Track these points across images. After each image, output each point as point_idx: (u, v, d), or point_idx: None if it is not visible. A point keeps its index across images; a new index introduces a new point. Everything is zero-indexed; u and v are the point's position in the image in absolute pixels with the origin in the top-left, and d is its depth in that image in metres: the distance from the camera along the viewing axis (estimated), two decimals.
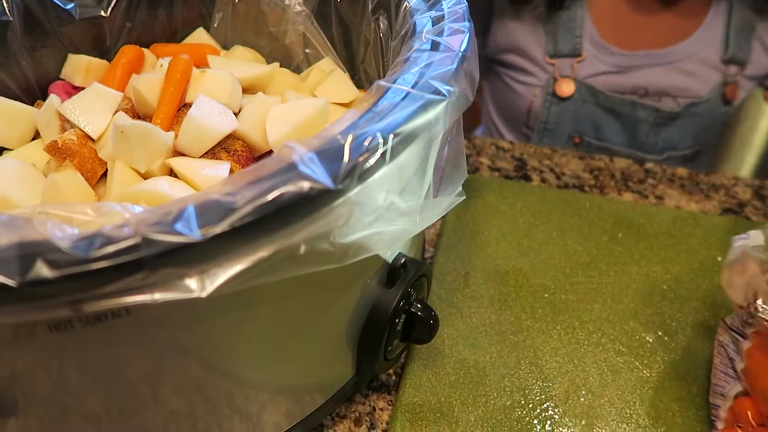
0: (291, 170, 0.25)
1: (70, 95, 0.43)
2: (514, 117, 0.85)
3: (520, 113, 0.82)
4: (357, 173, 0.26)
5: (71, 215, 0.25)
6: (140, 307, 0.25)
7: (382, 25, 0.46)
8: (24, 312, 0.22)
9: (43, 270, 0.21)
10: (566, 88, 0.74)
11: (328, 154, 0.26)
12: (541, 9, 0.73)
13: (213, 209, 0.23)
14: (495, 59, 0.84)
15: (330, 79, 0.47)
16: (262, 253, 0.25)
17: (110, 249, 0.21)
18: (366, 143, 0.27)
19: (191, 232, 0.22)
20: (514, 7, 0.74)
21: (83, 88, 0.43)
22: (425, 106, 0.30)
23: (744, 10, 0.72)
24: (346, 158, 0.26)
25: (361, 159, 0.26)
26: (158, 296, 0.24)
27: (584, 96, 0.74)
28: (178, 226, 0.22)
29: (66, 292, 0.22)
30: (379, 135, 0.27)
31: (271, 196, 0.24)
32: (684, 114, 0.74)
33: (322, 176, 0.25)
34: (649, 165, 0.69)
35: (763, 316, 0.39)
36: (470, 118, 1.01)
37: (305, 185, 0.24)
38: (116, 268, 0.21)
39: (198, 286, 0.24)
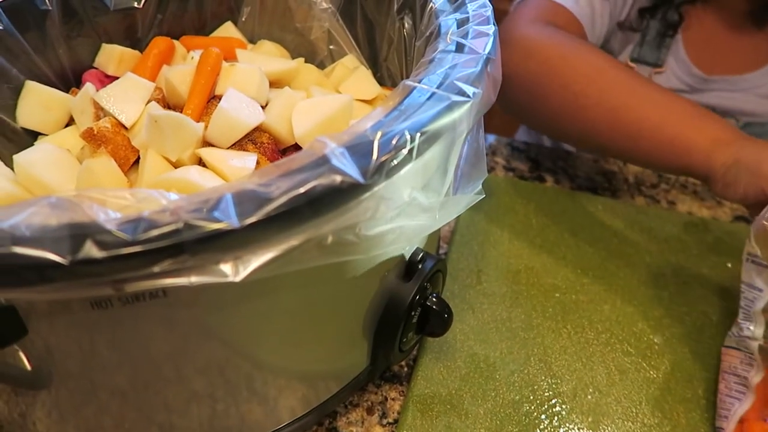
0: (323, 164, 0.26)
1: (103, 84, 0.45)
2: None
3: None
4: (385, 169, 0.27)
5: (110, 199, 0.26)
6: (176, 289, 0.26)
7: (406, 24, 0.47)
8: (71, 289, 0.24)
9: (92, 250, 0.22)
10: None
11: (358, 150, 0.27)
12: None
13: (249, 198, 0.24)
14: None
15: (354, 75, 0.49)
16: (293, 241, 0.26)
17: (155, 232, 0.22)
18: (394, 141, 0.28)
19: (229, 219, 0.23)
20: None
21: (115, 78, 0.45)
22: (450, 107, 0.31)
23: None
24: (375, 154, 0.27)
25: (389, 155, 0.27)
26: (194, 279, 0.25)
27: None
28: (217, 213, 0.24)
29: (110, 272, 0.23)
30: (406, 133, 0.28)
31: (304, 188, 0.25)
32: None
33: (352, 171, 0.26)
34: None
35: None
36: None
37: (337, 179, 0.25)
38: (159, 251, 0.23)
39: (232, 271, 0.25)
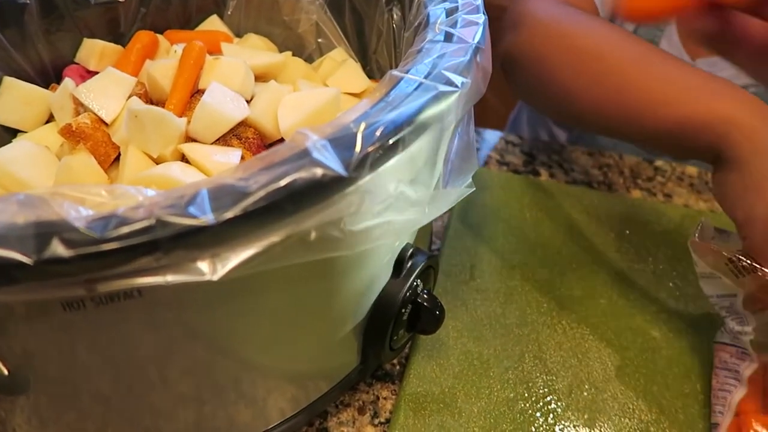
0: (304, 157, 0.25)
1: (84, 79, 0.44)
2: None
3: None
4: (369, 162, 0.26)
5: (85, 196, 0.25)
6: (152, 288, 0.25)
7: (395, 15, 0.46)
8: (38, 290, 0.23)
9: (58, 248, 0.21)
10: None
11: (341, 142, 0.26)
12: None
13: (226, 193, 0.23)
14: None
15: (342, 69, 0.48)
16: (274, 238, 0.25)
17: (125, 230, 0.21)
18: (378, 132, 0.27)
19: (204, 215, 0.22)
20: None
21: (97, 73, 0.44)
22: (437, 97, 0.30)
23: None
24: (358, 146, 0.26)
25: (373, 148, 0.26)
26: (170, 278, 0.24)
27: None
28: (192, 209, 0.23)
29: (80, 272, 0.22)
30: (391, 124, 0.27)
31: (284, 182, 0.24)
32: None
33: (334, 163, 0.25)
34: (658, 163, 0.68)
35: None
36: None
37: (318, 172, 0.24)
38: (130, 249, 0.22)
39: (210, 269, 0.24)
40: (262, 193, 0.23)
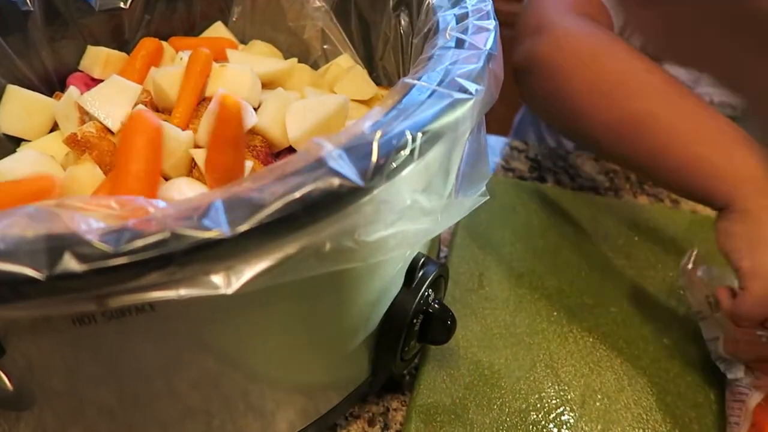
0: (320, 167, 0.24)
1: (88, 87, 0.43)
2: None
3: None
4: (385, 171, 0.26)
5: (94, 208, 0.25)
6: (164, 302, 0.25)
7: (403, 21, 0.46)
8: (49, 305, 0.22)
9: (71, 263, 0.20)
10: None
11: (357, 152, 0.26)
12: None
13: (241, 205, 0.23)
14: None
15: (349, 75, 0.47)
16: (289, 250, 0.25)
17: (139, 243, 0.21)
18: (394, 141, 0.26)
19: (220, 228, 0.22)
20: None
21: (102, 81, 0.43)
22: (452, 105, 0.29)
23: None
24: (374, 156, 0.26)
25: (389, 157, 0.26)
26: (184, 292, 0.23)
27: None
28: (207, 222, 0.22)
29: (92, 286, 0.22)
30: (407, 133, 0.27)
31: (299, 193, 0.23)
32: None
33: (351, 173, 0.24)
34: None
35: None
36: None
37: (335, 182, 0.24)
38: (144, 263, 0.21)
39: (224, 282, 0.23)
40: (278, 205, 0.23)
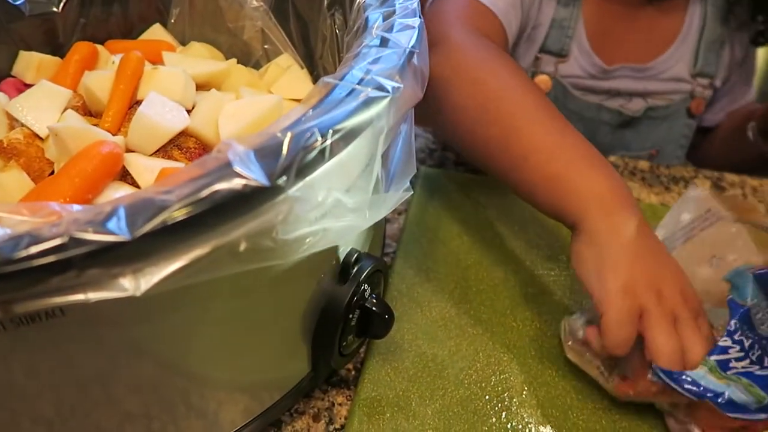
0: (226, 168, 0.25)
1: (21, 93, 0.43)
2: None
3: None
4: (294, 170, 0.26)
5: (4, 215, 0.25)
6: (77, 306, 0.25)
7: (337, 20, 0.46)
8: None
9: None
10: (543, 85, 0.74)
11: (267, 152, 0.26)
12: None
13: (145, 208, 0.23)
14: None
15: (286, 75, 0.47)
16: (200, 250, 0.25)
17: (35, 249, 0.21)
18: (303, 140, 0.27)
19: (120, 231, 0.22)
20: None
21: None
22: (367, 103, 0.30)
23: (715, 23, 0.73)
24: (283, 156, 0.26)
25: (298, 156, 0.26)
26: (92, 296, 0.23)
27: (557, 95, 0.74)
28: (109, 225, 0.22)
29: None
30: (317, 131, 0.27)
31: (203, 194, 0.24)
32: (644, 117, 0.76)
33: (257, 174, 0.25)
34: (611, 158, 0.69)
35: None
36: None
37: (239, 183, 0.24)
38: (43, 268, 0.21)
39: (132, 285, 0.24)
40: (179, 207, 0.23)
